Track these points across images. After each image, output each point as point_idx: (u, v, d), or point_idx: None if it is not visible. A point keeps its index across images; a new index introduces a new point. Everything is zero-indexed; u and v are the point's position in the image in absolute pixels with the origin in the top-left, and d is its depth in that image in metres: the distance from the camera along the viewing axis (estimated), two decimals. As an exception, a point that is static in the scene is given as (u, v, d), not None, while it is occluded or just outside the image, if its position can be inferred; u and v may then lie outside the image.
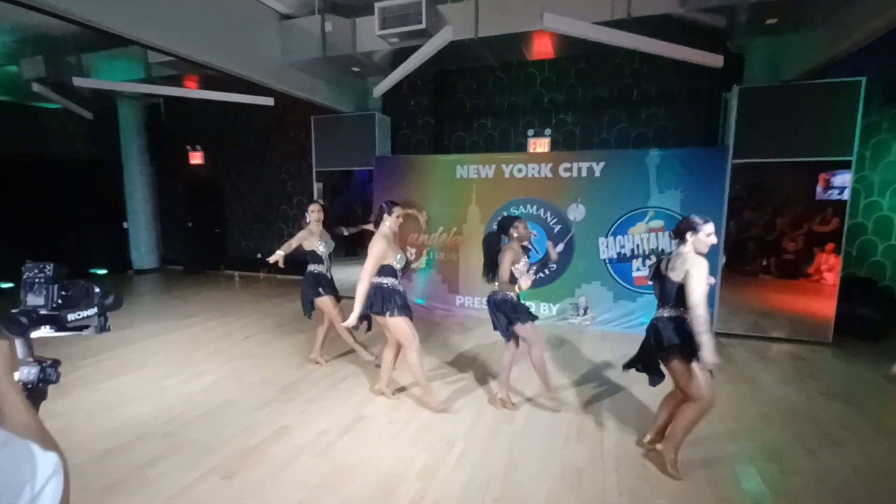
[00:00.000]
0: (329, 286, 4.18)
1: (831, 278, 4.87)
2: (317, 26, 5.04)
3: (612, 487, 2.43)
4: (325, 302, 4.13)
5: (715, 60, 3.68)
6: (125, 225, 9.24)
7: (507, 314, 3.25)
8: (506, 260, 3.16)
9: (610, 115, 6.35)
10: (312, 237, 4.14)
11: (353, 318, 3.17)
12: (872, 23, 3.49)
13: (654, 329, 2.53)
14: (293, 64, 5.37)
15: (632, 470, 2.59)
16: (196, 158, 9.18)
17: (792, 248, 5.06)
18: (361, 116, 6.82)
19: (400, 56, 4.91)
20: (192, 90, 6.55)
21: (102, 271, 8.82)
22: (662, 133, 6.14)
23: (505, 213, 5.85)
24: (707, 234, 2.40)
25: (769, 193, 5.18)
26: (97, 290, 1.13)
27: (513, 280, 3.16)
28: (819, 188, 4.87)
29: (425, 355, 4.42)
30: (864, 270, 5.59)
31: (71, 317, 1.03)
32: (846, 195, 4.77)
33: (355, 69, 5.98)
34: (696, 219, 2.44)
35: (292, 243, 4.11)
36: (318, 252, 4.17)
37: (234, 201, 9.09)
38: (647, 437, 2.77)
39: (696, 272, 2.32)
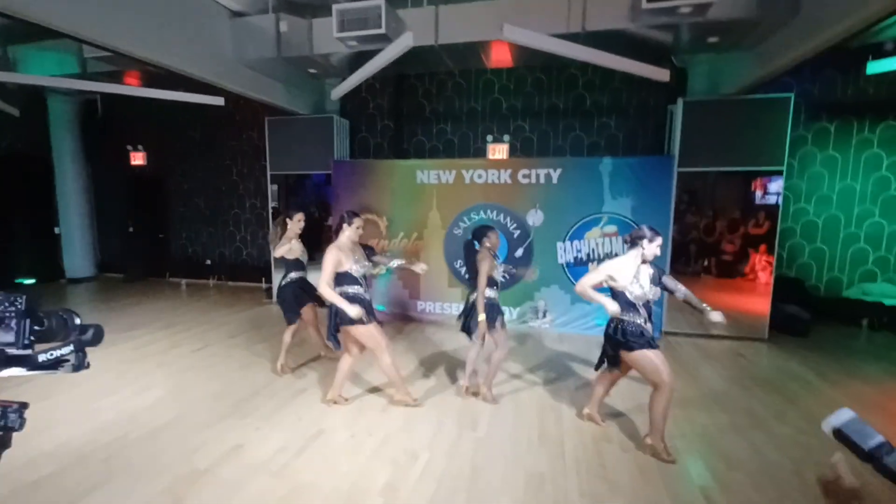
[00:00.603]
0: (312, 292, 4.14)
1: (765, 278, 5.26)
2: (271, 25, 4.86)
3: (573, 490, 2.48)
4: (308, 310, 4.23)
5: (661, 74, 3.87)
6: (57, 230, 8.50)
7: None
8: (484, 268, 3.36)
9: (565, 124, 6.55)
10: (295, 245, 4.13)
11: (352, 310, 3.01)
12: (795, 51, 3.85)
13: (616, 328, 2.85)
14: (246, 63, 5.15)
15: (591, 471, 2.66)
16: (137, 158, 8.60)
17: (730, 249, 5.42)
18: (319, 119, 6.64)
19: (359, 59, 4.83)
20: (132, 88, 6.13)
21: (30, 281, 8.08)
22: (614, 142, 6.41)
23: (466, 219, 5.91)
24: (657, 246, 2.79)
25: (709, 199, 5.53)
26: (77, 320, 1.03)
27: (492, 285, 3.42)
28: (758, 193, 5.25)
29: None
30: (793, 271, 6.08)
31: (42, 357, 0.93)
32: (778, 201, 5.18)
33: (312, 71, 5.82)
34: (648, 231, 2.80)
35: (288, 251, 4.10)
36: (302, 260, 4.22)
37: (180, 204, 8.59)
38: (585, 410, 3.23)
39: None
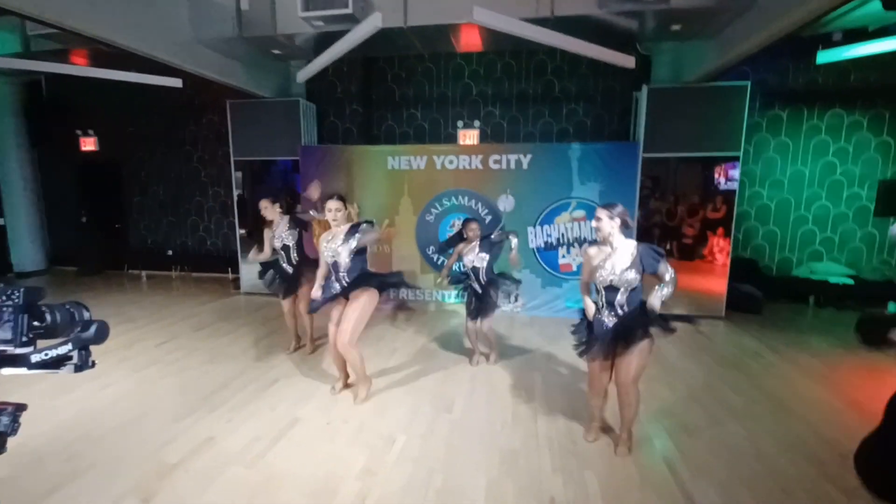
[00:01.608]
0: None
1: (722, 259, 5.53)
2: (232, 2, 4.64)
3: (546, 466, 2.57)
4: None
5: (627, 61, 3.96)
6: (1, 221, 7.94)
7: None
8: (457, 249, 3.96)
9: (535, 110, 6.60)
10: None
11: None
12: (751, 40, 4.00)
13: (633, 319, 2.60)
14: (204, 42, 4.90)
15: (563, 447, 2.76)
16: (88, 144, 8.10)
17: (690, 232, 5.66)
18: (284, 103, 6.43)
19: (325, 40, 4.69)
20: (81, 67, 5.73)
21: (-29, 275, 7.54)
22: (582, 128, 6.52)
23: (437, 205, 5.91)
24: (606, 223, 2.54)
25: (672, 185, 5.73)
26: (86, 314, 0.95)
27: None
28: (717, 178, 5.47)
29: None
30: (748, 252, 6.41)
31: (36, 357, 0.85)
32: (734, 185, 5.43)
33: (276, 52, 5.60)
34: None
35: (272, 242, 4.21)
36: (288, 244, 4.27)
37: (138, 192, 8.17)
38: (592, 437, 2.84)
39: None
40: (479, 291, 3.90)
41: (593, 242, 2.72)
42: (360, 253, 3.23)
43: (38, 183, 8.25)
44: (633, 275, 2.52)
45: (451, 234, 3.96)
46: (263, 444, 2.76)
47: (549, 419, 3.10)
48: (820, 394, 3.53)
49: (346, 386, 3.49)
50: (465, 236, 3.92)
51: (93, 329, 0.94)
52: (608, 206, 2.57)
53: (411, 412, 3.19)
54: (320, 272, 3.37)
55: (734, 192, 5.44)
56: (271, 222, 4.17)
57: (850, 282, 5.88)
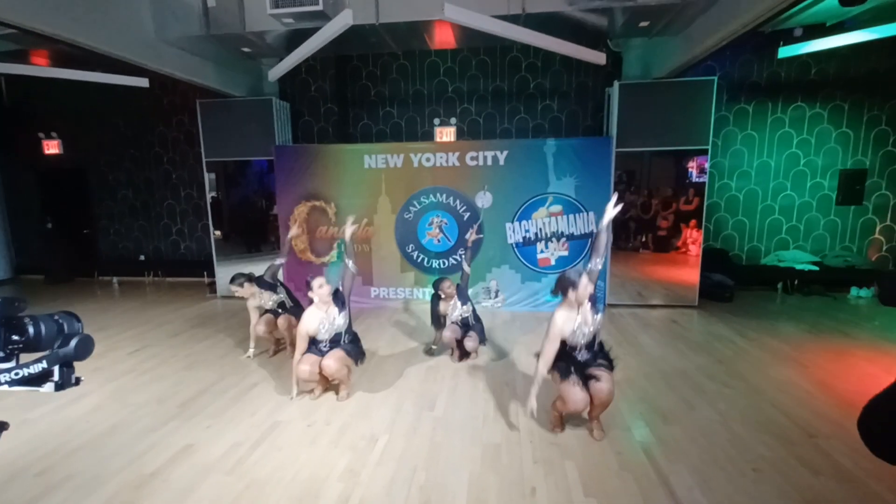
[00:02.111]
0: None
1: (695, 250, 5.69)
2: (198, 0, 4.52)
3: (527, 458, 2.62)
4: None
5: (598, 57, 4.03)
6: (-43, 229, 7.59)
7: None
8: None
9: (510, 107, 6.65)
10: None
11: None
12: (716, 35, 4.12)
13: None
14: (169, 41, 4.76)
15: (544, 439, 2.81)
16: (52, 147, 7.80)
17: (664, 225, 5.80)
18: (256, 102, 6.31)
19: (296, 38, 4.63)
20: (42, 68, 5.50)
21: (-73, 288, 7.19)
22: (557, 124, 6.60)
23: (416, 203, 5.90)
24: (584, 287, 2.59)
25: (646, 179, 5.86)
26: (77, 325, 0.88)
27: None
28: (688, 172, 5.62)
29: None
30: (719, 242, 6.62)
31: (4, 377, 0.78)
32: (705, 178, 5.59)
33: (246, 50, 5.49)
34: (573, 276, 2.63)
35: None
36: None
37: (106, 196, 7.91)
38: (560, 429, 2.89)
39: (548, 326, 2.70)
40: (461, 331, 4.10)
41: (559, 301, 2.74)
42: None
43: (-1, 189, 7.91)
44: (600, 317, 2.73)
45: (432, 304, 4.23)
46: (244, 450, 2.72)
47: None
48: (789, 376, 3.68)
49: (326, 390, 3.47)
50: (440, 296, 4.12)
51: (73, 344, 0.86)
52: (583, 271, 2.64)
53: (394, 411, 3.20)
54: (303, 345, 3.27)
55: (705, 184, 5.60)
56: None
57: (816, 268, 6.13)
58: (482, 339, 4.12)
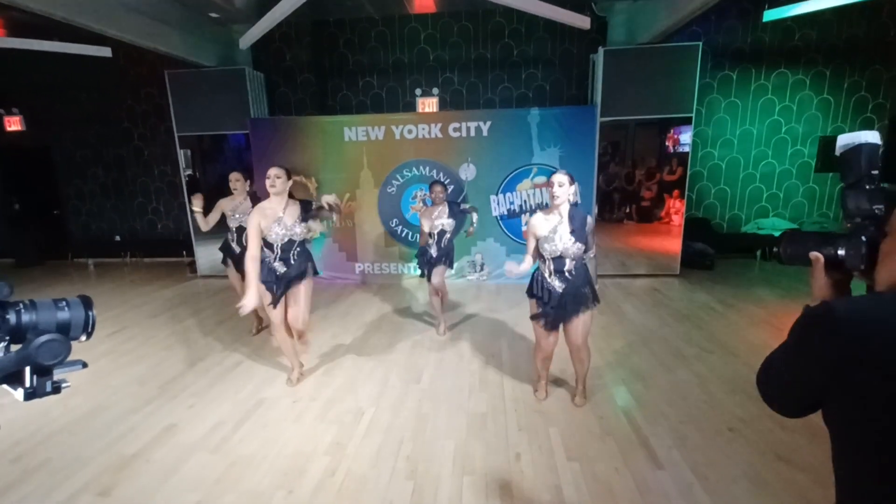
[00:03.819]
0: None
1: (677, 220, 5.74)
2: (157, -40, 4.22)
3: (512, 426, 2.65)
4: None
5: (582, 21, 3.90)
6: (-85, 212, 7.22)
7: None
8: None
9: (493, 76, 6.48)
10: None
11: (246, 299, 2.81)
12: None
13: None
14: (130, 5, 4.47)
15: (528, 407, 2.85)
16: (14, 124, 7.39)
17: (648, 196, 5.81)
18: (228, 72, 6.02)
19: (267, 1, 4.37)
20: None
21: None
22: (541, 93, 6.47)
23: (399, 177, 5.79)
24: (557, 186, 2.53)
25: (630, 149, 5.83)
26: (85, 312, 0.74)
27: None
28: (671, 141, 5.59)
29: (329, 326, 4.34)
30: (701, 211, 6.68)
31: None
32: (688, 147, 5.57)
33: (213, 15, 5.20)
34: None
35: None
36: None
37: (75, 175, 7.58)
38: (543, 395, 2.93)
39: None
40: (434, 256, 3.91)
41: (535, 211, 2.72)
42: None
43: (-42, 169, 7.51)
44: (579, 245, 2.55)
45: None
46: (228, 428, 2.70)
47: (515, 382, 3.18)
48: (764, 339, 3.78)
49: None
50: (426, 204, 3.93)
51: (40, 344, 0.70)
52: (564, 171, 2.58)
53: (380, 385, 3.20)
54: (254, 268, 2.88)
55: (687, 153, 5.59)
56: (232, 196, 3.92)
57: (793, 235, 6.24)
58: (450, 264, 4.01)
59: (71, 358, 0.77)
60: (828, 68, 6.09)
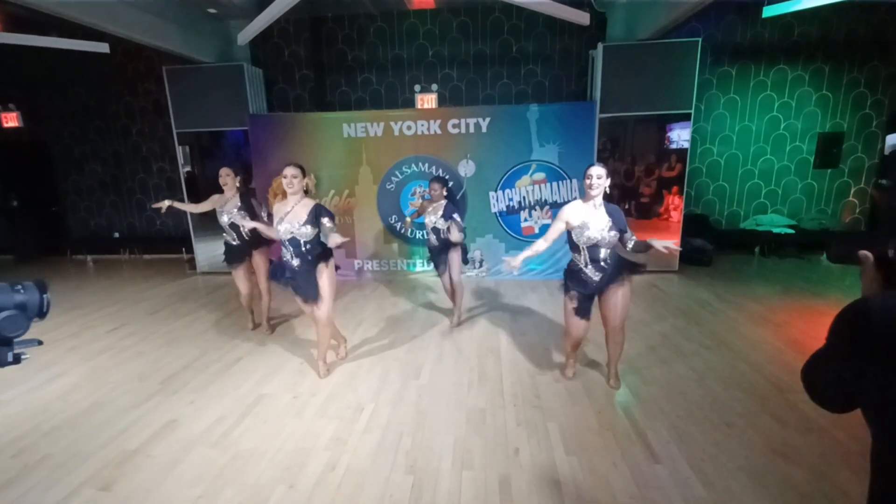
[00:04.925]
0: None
1: (676, 216, 5.74)
2: (154, -45, 4.20)
3: (511, 421, 2.67)
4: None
5: (582, 17, 3.89)
6: (-87, 208, 7.20)
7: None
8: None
9: (493, 72, 6.47)
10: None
11: None
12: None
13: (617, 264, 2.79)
14: (127, 1, 4.45)
15: (527, 401, 2.87)
16: (10, 120, 7.37)
17: (647, 192, 5.82)
18: (227, 68, 6.00)
19: (265, -2, 4.35)
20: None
21: None
22: (540, 89, 6.46)
23: (398, 173, 5.79)
24: (592, 176, 2.74)
25: (629, 145, 5.82)
26: (39, 294, 0.81)
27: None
28: (671, 137, 5.59)
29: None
30: (700, 208, 6.69)
31: None
32: (687, 144, 5.57)
33: (212, 10, 5.19)
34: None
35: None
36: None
37: (73, 172, 7.57)
38: (571, 373, 3.15)
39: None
40: (437, 244, 3.95)
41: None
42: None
43: (-45, 165, 7.49)
44: (615, 233, 2.72)
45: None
46: (229, 423, 2.72)
47: (514, 378, 3.19)
48: (762, 335, 3.80)
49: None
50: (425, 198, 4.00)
51: (2, 317, 0.78)
52: (601, 164, 2.76)
53: (380, 381, 3.21)
54: (264, 226, 3.29)
55: (687, 150, 5.59)
56: (222, 191, 3.92)
57: (791, 231, 6.27)
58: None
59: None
60: (827, 65, 6.08)
